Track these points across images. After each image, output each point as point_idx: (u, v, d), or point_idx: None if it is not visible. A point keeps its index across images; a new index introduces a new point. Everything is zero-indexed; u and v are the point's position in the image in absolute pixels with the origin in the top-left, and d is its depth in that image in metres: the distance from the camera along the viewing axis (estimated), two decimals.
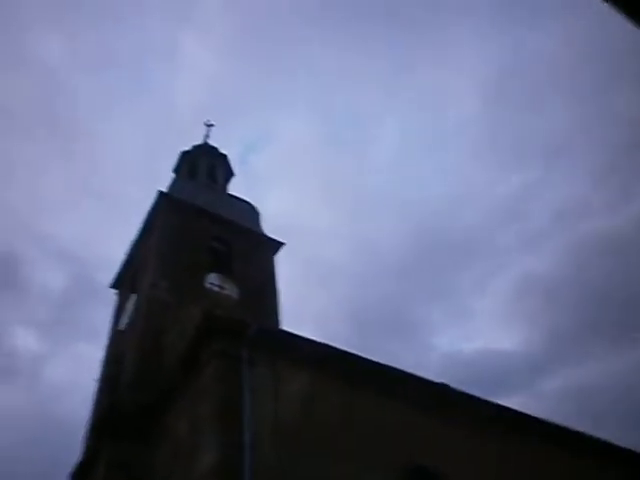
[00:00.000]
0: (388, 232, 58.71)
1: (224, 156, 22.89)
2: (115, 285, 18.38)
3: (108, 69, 64.18)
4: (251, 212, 19.51)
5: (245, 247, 16.93)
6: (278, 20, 61.16)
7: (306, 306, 50.20)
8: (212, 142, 23.35)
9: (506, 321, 55.29)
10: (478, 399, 11.15)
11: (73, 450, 13.75)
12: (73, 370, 52.39)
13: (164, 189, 17.65)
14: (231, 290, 14.64)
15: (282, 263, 18.08)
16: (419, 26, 59.57)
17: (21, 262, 56.99)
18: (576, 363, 45.21)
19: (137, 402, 11.00)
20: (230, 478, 7.26)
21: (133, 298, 15.31)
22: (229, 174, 22.91)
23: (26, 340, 53.07)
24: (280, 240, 18.15)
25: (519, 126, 56.86)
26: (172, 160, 22.54)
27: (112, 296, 18.23)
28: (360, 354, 10.00)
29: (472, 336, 56.48)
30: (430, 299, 58.38)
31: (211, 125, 23.99)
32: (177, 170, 22.22)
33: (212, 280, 14.47)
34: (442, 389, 10.74)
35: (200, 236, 16.15)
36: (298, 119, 68.54)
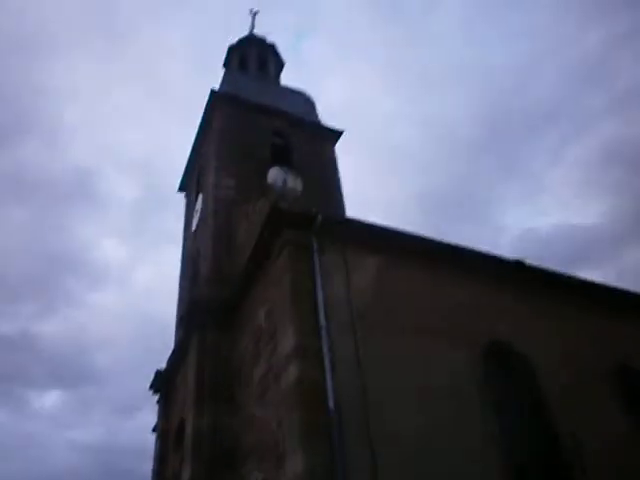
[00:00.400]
0: (456, 108, 55.59)
1: (272, 46, 21.92)
2: (182, 188, 18.87)
3: None
4: (306, 102, 18.87)
5: (303, 138, 16.61)
6: None
7: (376, 194, 49.86)
8: (259, 32, 22.33)
9: (586, 193, 52.65)
10: (554, 273, 10.83)
11: (169, 341, 15.03)
12: (158, 271, 56.45)
13: (216, 86, 17.28)
14: (294, 183, 14.56)
15: (347, 152, 17.79)
16: None
17: (97, 177, 59.71)
18: None
19: (216, 295, 11.66)
20: (312, 360, 7.54)
21: (200, 199, 15.65)
22: (280, 64, 22.04)
23: (112, 249, 57.23)
24: (339, 128, 17.68)
25: None
26: (223, 55, 21.87)
27: (182, 199, 18.82)
28: (430, 236, 9.79)
29: (548, 211, 54.48)
30: (503, 176, 56.23)
31: (256, 13, 22.79)
32: (227, 65, 21.58)
33: (274, 174, 14.40)
34: (517, 265, 10.47)
35: (257, 130, 15.92)
36: None
